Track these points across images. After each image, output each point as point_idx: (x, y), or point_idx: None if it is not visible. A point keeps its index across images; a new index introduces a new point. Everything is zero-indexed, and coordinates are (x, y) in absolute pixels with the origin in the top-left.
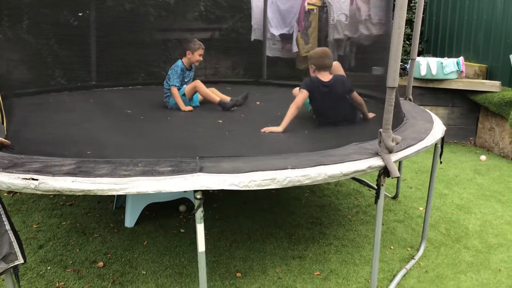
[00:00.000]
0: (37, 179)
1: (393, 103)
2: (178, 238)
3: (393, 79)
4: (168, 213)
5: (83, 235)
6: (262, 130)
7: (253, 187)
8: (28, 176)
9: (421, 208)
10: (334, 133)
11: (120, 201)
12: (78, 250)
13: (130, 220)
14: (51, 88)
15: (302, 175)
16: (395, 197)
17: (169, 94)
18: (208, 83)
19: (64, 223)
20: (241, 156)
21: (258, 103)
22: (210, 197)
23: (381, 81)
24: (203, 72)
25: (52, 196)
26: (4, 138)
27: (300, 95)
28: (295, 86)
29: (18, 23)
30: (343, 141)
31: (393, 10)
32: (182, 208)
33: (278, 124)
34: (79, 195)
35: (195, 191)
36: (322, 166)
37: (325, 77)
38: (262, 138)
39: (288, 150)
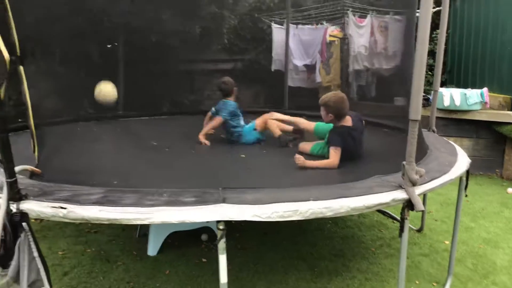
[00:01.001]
0: (65, 208)
1: (416, 136)
2: (200, 267)
3: (416, 111)
4: (190, 242)
5: (107, 262)
6: (298, 161)
7: (275, 218)
8: (57, 204)
9: (447, 242)
10: (355, 166)
11: (143, 229)
12: (101, 278)
13: (153, 249)
14: (80, 118)
15: (325, 207)
16: (420, 230)
17: (239, 133)
18: None
19: (89, 250)
20: (263, 187)
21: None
22: (232, 227)
23: (402, 112)
24: None
25: (77, 223)
26: (35, 167)
27: (336, 154)
28: (316, 116)
29: (49, 55)
30: (365, 174)
31: (415, 41)
32: (204, 237)
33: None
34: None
35: (218, 222)
36: (345, 198)
37: (348, 121)
38: (283, 170)
39: (310, 183)
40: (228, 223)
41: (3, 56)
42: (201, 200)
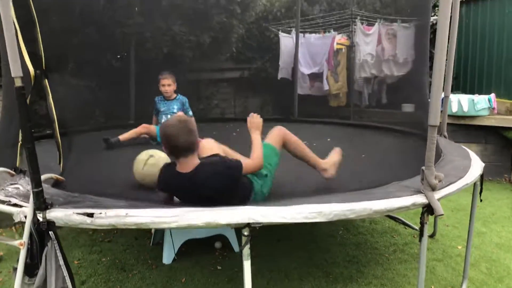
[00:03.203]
0: (92, 214)
1: (435, 141)
2: (216, 275)
3: (435, 117)
4: (204, 250)
5: (122, 271)
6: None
7: (300, 219)
8: (82, 211)
9: (459, 247)
10: (372, 173)
11: (157, 237)
12: (118, 287)
13: (168, 257)
14: (92, 127)
15: (348, 209)
16: (432, 236)
17: None
18: (238, 120)
19: (104, 259)
20: (285, 193)
21: None
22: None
23: (411, 118)
24: (232, 110)
25: (91, 232)
26: (61, 174)
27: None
28: (324, 122)
29: (66, 66)
30: (383, 180)
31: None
32: (217, 245)
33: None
34: (116, 231)
35: (243, 227)
36: (367, 201)
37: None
38: (303, 177)
39: (329, 190)
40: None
41: (28, 70)
42: None
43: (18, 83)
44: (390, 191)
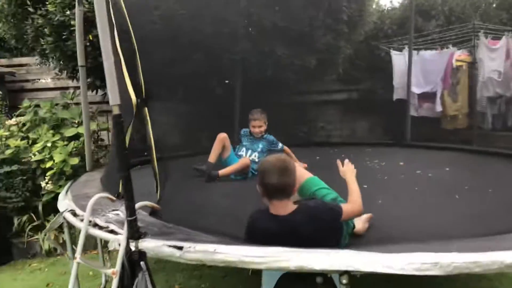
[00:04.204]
0: (181, 247)
1: None
2: None
3: None
4: (303, 284)
5: None
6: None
7: (410, 271)
8: (173, 243)
9: None
10: (504, 213)
11: None
12: None
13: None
14: (198, 152)
15: (472, 261)
16: None
17: None
18: (345, 145)
19: (203, 285)
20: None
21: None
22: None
23: None
24: (339, 133)
25: None
26: (157, 203)
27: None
28: (438, 148)
29: (171, 92)
30: None
31: None
32: (319, 280)
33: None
34: None
35: (341, 275)
36: (496, 252)
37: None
38: (414, 220)
39: (447, 236)
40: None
41: (131, 99)
42: None
43: (116, 111)
44: None
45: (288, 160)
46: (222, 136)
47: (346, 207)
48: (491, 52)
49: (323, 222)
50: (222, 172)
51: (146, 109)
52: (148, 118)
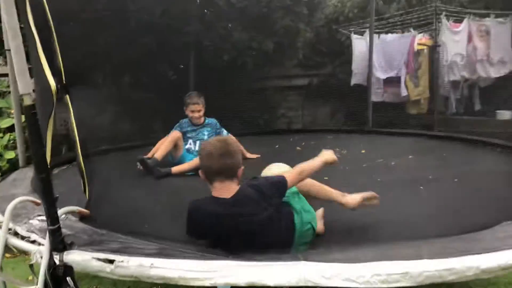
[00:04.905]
0: (112, 261)
1: None
2: None
3: None
4: None
5: None
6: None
7: (376, 284)
8: (102, 256)
9: None
10: (477, 209)
11: None
12: None
13: None
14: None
15: (445, 268)
16: None
17: None
18: (306, 132)
19: None
20: (354, 240)
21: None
22: None
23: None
24: (300, 120)
25: None
26: (86, 206)
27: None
28: (400, 133)
29: (118, 78)
30: (490, 219)
31: None
32: None
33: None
34: None
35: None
36: (471, 255)
37: None
38: (378, 215)
39: (416, 235)
40: None
41: (49, 85)
42: (277, 257)
43: (27, 101)
44: (503, 237)
45: (230, 141)
46: (177, 136)
47: (289, 174)
48: (454, 35)
49: (268, 197)
50: (175, 169)
51: (67, 96)
52: (70, 106)
